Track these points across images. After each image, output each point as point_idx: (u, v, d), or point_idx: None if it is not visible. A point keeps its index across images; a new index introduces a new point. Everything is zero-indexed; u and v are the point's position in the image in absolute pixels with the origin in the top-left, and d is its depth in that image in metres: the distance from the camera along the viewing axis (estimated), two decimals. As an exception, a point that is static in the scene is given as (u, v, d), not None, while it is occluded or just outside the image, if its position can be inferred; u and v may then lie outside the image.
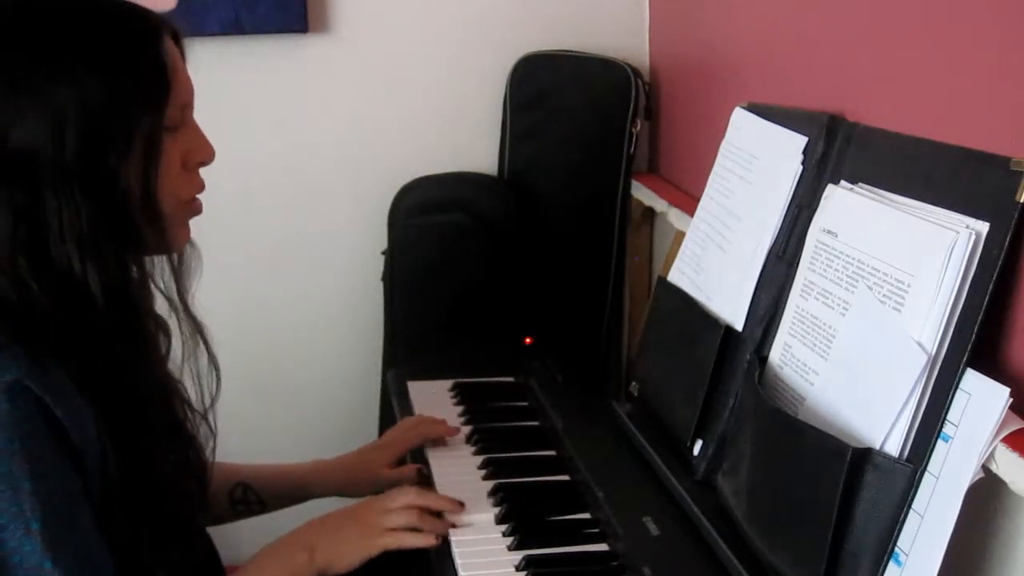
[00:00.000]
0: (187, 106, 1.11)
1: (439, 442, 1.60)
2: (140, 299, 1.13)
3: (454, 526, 1.33)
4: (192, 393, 1.21)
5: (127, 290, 1.07)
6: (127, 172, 1.02)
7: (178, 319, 1.17)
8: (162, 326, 1.18)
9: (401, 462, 1.56)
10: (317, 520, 1.30)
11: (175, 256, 1.17)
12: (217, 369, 1.21)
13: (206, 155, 1.13)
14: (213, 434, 1.25)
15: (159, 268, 1.17)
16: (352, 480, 1.51)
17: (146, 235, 1.06)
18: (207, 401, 1.22)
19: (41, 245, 1.00)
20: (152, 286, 1.16)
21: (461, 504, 1.36)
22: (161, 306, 1.18)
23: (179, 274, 1.17)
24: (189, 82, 1.11)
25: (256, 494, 1.47)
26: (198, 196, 1.15)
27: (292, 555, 1.23)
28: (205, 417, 1.23)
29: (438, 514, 1.34)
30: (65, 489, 0.98)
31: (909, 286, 1.06)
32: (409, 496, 1.33)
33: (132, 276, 1.09)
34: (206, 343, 1.20)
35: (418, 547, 1.28)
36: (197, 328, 1.19)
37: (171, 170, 1.08)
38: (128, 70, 1.03)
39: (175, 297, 1.17)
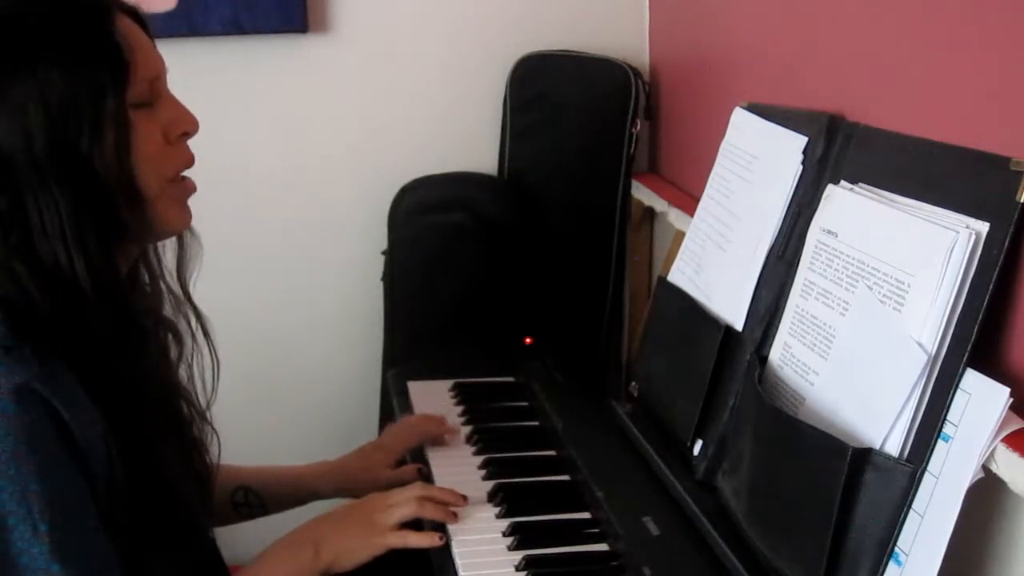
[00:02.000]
0: (156, 79, 1.08)
1: (439, 442, 1.60)
2: (135, 292, 1.12)
3: (455, 516, 1.34)
4: (193, 388, 1.21)
5: (118, 282, 1.06)
6: (101, 157, 1.01)
7: (181, 308, 1.17)
8: (172, 330, 1.17)
9: (402, 462, 1.56)
10: (323, 516, 1.30)
11: (176, 244, 1.17)
12: (216, 361, 1.21)
13: (188, 125, 1.11)
14: (217, 437, 1.25)
15: (155, 257, 1.17)
16: (353, 481, 1.51)
17: (130, 220, 1.05)
18: (207, 396, 1.22)
19: (30, 246, 1.00)
20: (161, 284, 1.16)
21: (464, 497, 1.36)
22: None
23: (180, 262, 1.17)
24: (155, 56, 1.09)
25: (258, 496, 1.47)
26: (188, 175, 1.12)
27: (298, 552, 1.23)
28: (207, 419, 1.23)
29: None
30: (72, 492, 0.98)
31: (909, 286, 1.06)
32: (413, 490, 1.33)
33: (121, 267, 1.08)
34: (207, 333, 1.20)
35: (422, 547, 1.28)
36: (198, 317, 1.19)
37: (151, 147, 1.06)
38: (82, 54, 1.01)
39: (175, 285, 1.17)
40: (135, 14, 1.10)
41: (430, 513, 1.31)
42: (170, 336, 1.18)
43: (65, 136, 1.00)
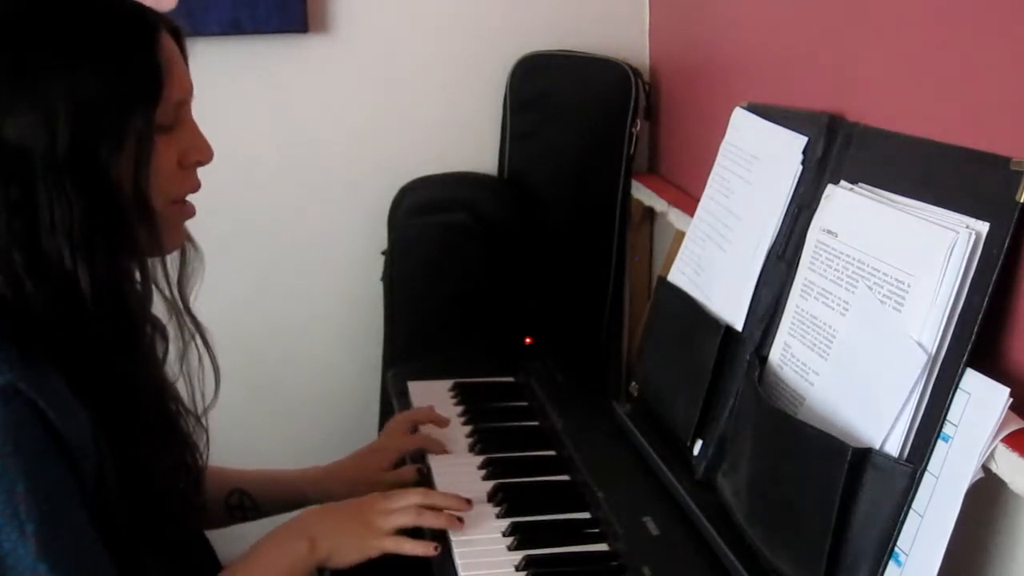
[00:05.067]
0: (183, 103, 1.10)
1: (439, 450, 1.57)
2: (133, 300, 1.12)
3: (460, 520, 1.32)
4: (189, 395, 1.21)
5: (119, 290, 1.06)
6: (118, 168, 1.02)
7: (179, 321, 1.17)
8: (159, 329, 1.17)
9: (401, 462, 1.55)
10: (319, 509, 1.30)
11: (178, 257, 1.17)
12: (217, 372, 1.21)
13: (203, 155, 1.13)
14: (207, 435, 1.24)
15: (160, 270, 1.17)
16: (351, 484, 1.49)
17: (138, 233, 1.05)
18: (204, 403, 1.22)
19: (35, 241, 1.00)
20: (153, 288, 1.16)
21: (468, 501, 1.35)
22: (160, 308, 1.17)
23: (181, 275, 1.17)
24: (187, 80, 1.10)
25: (252, 500, 1.46)
26: (190, 200, 1.14)
27: (293, 543, 1.22)
28: (199, 419, 1.22)
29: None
30: (60, 492, 0.98)
31: (909, 286, 1.06)
32: (414, 498, 1.32)
33: (124, 276, 1.08)
34: (207, 345, 1.19)
35: (416, 555, 1.27)
36: (198, 330, 1.18)
37: (165, 168, 1.08)
38: (121, 66, 1.02)
39: (177, 299, 1.17)
40: (177, 33, 1.11)
41: (430, 522, 1.29)
42: (157, 334, 1.18)
43: (88, 141, 1.00)
